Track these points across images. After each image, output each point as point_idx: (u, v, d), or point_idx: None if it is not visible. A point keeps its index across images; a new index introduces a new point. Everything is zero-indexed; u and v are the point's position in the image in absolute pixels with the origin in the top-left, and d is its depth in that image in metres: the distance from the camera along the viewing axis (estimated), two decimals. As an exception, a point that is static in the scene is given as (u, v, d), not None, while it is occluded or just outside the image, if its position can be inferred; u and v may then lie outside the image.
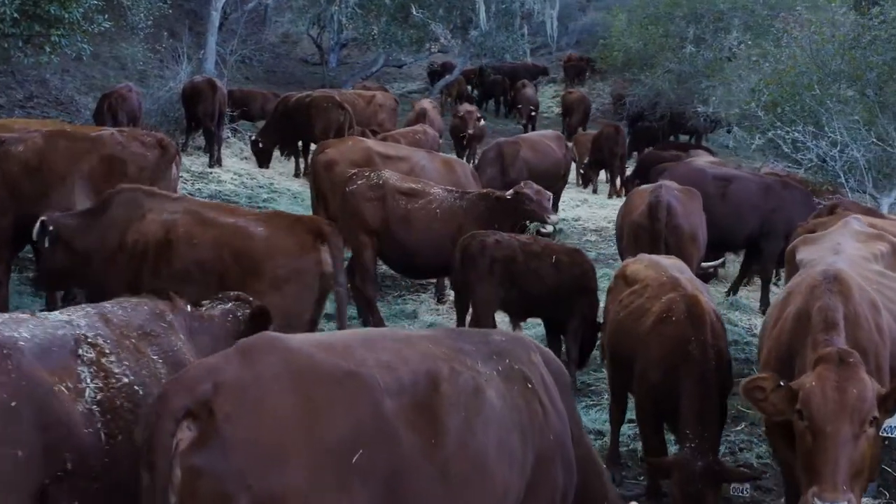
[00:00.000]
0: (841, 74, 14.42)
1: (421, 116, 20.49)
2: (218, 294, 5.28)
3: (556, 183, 16.51)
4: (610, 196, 21.73)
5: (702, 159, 15.53)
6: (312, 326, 7.30)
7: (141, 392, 4.25)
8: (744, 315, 11.91)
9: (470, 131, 21.27)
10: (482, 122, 22.40)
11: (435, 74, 36.27)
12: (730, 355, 6.80)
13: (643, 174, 21.84)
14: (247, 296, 5.24)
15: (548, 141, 16.50)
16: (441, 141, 19.74)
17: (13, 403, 3.71)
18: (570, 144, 19.83)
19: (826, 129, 13.47)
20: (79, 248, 7.26)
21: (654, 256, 7.76)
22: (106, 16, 16.10)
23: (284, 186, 18.70)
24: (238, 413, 3.45)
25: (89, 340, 4.27)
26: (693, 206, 10.18)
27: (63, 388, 3.97)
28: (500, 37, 31.03)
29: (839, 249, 6.46)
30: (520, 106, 29.46)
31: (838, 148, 13.38)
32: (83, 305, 4.77)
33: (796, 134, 13.19)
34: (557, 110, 33.77)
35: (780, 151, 14.29)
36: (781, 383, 4.80)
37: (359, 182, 10.28)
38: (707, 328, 6.21)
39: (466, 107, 23.76)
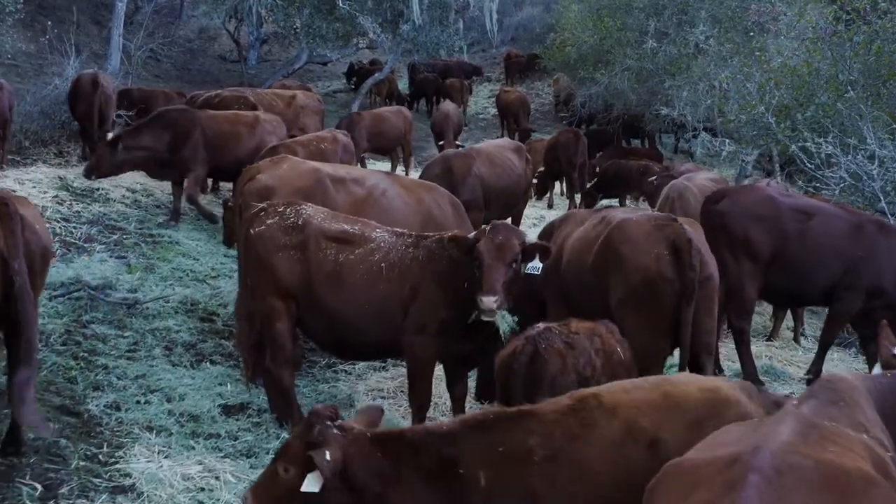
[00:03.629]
0: (869, 74, 11.72)
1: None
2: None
3: (516, 204, 13.60)
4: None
5: (702, 175, 12.69)
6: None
7: None
8: (784, 386, 9.12)
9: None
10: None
11: (353, 74, 34.00)
12: None
13: (605, 186, 19.28)
14: None
15: (507, 153, 13.41)
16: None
17: None
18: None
19: (860, 139, 10.73)
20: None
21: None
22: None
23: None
24: None
25: None
26: (705, 245, 7.47)
27: None
28: (433, 31, 28.58)
29: None
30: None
31: (877, 163, 10.68)
32: None
33: (828, 146, 10.40)
34: (494, 111, 31.33)
35: (797, 167, 11.49)
36: None
37: (269, 221, 7.12)
38: None
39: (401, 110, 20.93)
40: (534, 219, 17.53)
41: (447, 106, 23.60)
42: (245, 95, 16.31)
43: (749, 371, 9.02)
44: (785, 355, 10.21)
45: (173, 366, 8.47)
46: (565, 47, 28.02)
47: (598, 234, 7.61)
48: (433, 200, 9.70)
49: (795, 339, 10.95)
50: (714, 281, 7.34)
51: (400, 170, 20.44)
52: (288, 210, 7.21)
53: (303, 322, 7.20)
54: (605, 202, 19.89)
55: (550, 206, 19.79)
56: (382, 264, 6.95)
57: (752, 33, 17.00)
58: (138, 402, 7.58)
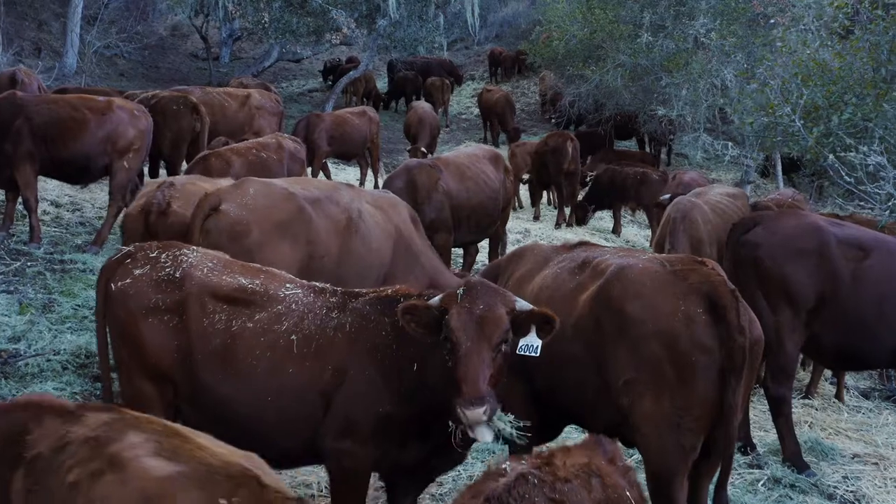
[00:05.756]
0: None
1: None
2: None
3: (492, 223, 11.48)
4: (557, 225, 17.06)
5: (715, 190, 10.70)
6: None
7: None
8: (833, 468, 7.09)
9: None
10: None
11: (330, 72, 32.88)
12: None
13: (598, 196, 17.39)
14: None
15: (481, 164, 11.31)
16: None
17: None
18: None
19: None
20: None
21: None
22: None
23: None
24: None
25: None
26: None
27: None
28: (412, 27, 27.27)
29: None
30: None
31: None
32: None
33: (875, 156, 8.43)
34: (477, 111, 30.06)
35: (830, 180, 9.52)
36: None
37: (136, 273, 5.06)
38: None
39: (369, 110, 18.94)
40: (517, 233, 15.54)
41: (421, 106, 21.66)
42: (186, 95, 14.25)
43: (791, 450, 7.01)
44: (829, 420, 8.12)
45: (37, 453, 6.43)
46: (552, 42, 26.12)
47: (583, 286, 5.42)
48: (399, 217, 7.86)
49: (838, 396, 8.90)
50: (761, 345, 5.32)
51: (369, 178, 18.49)
52: (164, 256, 5.12)
53: (182, 415, 5.13)
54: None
55: (537, 218, 17.88)
56: (293, 336, 4.83)
57: (772, 20, 15.03)
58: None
